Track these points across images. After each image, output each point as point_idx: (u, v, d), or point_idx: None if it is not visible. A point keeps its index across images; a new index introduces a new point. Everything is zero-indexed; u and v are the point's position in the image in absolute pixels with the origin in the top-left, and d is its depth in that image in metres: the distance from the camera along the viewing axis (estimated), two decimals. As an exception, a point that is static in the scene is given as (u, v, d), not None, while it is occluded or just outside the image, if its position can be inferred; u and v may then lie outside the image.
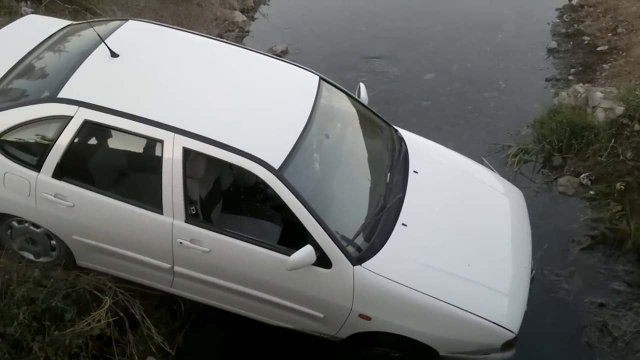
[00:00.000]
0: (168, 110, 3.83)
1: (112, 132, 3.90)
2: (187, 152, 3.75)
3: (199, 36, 4.68)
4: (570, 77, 7.65)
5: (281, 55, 7.88)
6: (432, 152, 4.96)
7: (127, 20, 4.55)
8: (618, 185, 5.88)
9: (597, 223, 5.70)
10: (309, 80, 4.45)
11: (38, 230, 4.21)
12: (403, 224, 4.12)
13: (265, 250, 3.85)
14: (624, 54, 7.62)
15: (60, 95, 3.83)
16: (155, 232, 3.91)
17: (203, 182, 4.17)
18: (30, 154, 3.94)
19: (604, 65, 7.60)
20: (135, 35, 4.39)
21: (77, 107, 3.78)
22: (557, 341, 4.78)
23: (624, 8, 8.50)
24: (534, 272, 4.47)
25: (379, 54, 8.10)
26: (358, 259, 3.83)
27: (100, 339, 3.97)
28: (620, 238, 5.51)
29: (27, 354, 3.68)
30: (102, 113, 3.75)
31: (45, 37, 4.51)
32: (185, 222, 3.85)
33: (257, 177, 3.73)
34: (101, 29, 4.35)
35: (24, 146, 3.95)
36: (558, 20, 8.97)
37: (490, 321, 3.90)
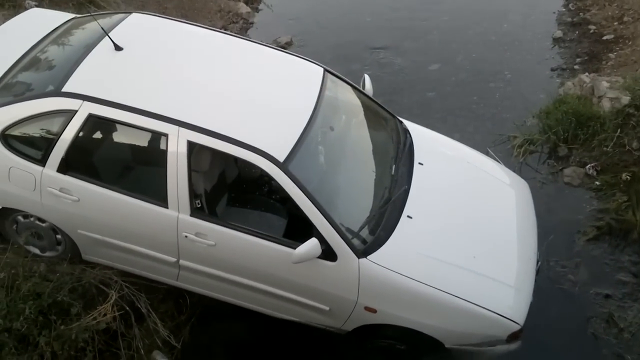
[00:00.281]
0: (172, 104, 3.82)
1: (117, 126, 3.90)
2: (191, 145, 3.74)
3: (203, 28, 4.66)
4: (576, 67, 7.60)
5: (285, 46, 7.85)
6: (437, 143, 4.94)
7: (130, 13, 4.53)
8: (624, 176, 5.84)
9: (602, 214, 5.67)
10: (314, 72, 4.43)
11: (43, 225, 4.22)
12: (408, 216, 4.11)
13: (271, 243, 3.86)
14: (630, 42, 7.56)
15: (65, 89, 3.83)
16: (160, 225, 3.92)
17: (208, 176, 4.17)
18: (35, 148, 3.94)
19: (610, 55, 7.54)
20: (139, 28, 4.37)
21: (81, 101, 3.77)
22: (563, 333, 4.77)
23: (630, -4, 8.42)
24: (539, 263, 4.46)
25: (384, 45, 8.06)
26: (363, 252, 3.83)
27: (106, 333, 3.97)
28: (626, 229, 5.48)
29: (34, 348, 3.70)
30: (106, 107, 3.75)
31: (49, 31, 4.50)
32: (191, 215, 3.86)
33: (261, 170, 3.73)
34: (105, 22, 4.34)
35: (28, 141, 3.95)
36: (564, 9, 8.90)
37: (496, 313, 3.90)
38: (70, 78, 3.87)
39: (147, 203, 3.88)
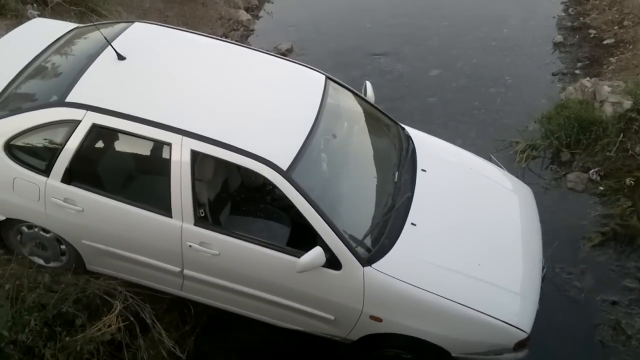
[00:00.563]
0: (176, 113, 3.82)
1: (120, 135, 3.90)
2: (195, 154, 3.74)
3: (205, 37, 4.67)
4: (577, 72, 7.60)
5: (286, 53, 7.86)
6: (439, 149, 4.93)
7: (133, 22, 4.53)
8: (628, 181, 5.83)
9: (607, 219, 5.66)
10: (316, 79, 4.43)
11: (48, 235, 4.21)
12: (412, 224, 4.10)
13: (275, 252, 3.84)
14: (631, 47, 7.56)
15: (68, 99, 3.82)
16: (164, 235, 3.91)
17: (211, 184, 4.16)
18: (39, 158, 3.93)
19: (611, 59, 7.55)
20: (141, 38, 4.37)
21: (85, 111, 3.77)
22: (570, 340, 4.75)
23: (629, 0, 8.41)
24: (545, 270, 4.44)
25: (384, 51, 8.06)
26: (368, 260, 3.82)
27: (111, 344, 3.95)
28: (631, 234, 5.46)
29: (39, 360, 3.69)
30: (110, 117, 3.74)
31: (52, 41, 4.50)
32: (194, 225, 3.85)
33: (265, 178, 3.72)
34: (108, 31, 4.34)
35: (32, 151, 3.94)
36: (563, 14, 8.92)
37: (502, 321, 3.88)
38: (74, 88, 3.87)
39: (151, 213, 3.87)
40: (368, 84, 4.85)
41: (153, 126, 3.71)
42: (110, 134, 3.91)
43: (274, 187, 3.76)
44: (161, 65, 4.18)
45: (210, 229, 3.87)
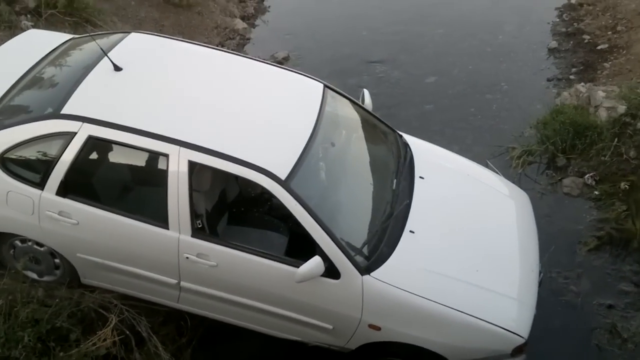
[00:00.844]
0: (173, 124, 3.81)
1: (117, 147, 3.88)
2: (192, 165, 3.73)
3: (202, 47, 4.67)
4: (572, 77, 7.63)
5: (283, 61, 7.87)
6: (437, 156, 4.94)
7: (129, 32, 4.53)
8: (622, 185, 5.85)
9: (602, 223, 5.67)
10: (313, 88, 4.43)
11: (42, 249, 4.18)
12: (411, 231, 4.09)
13: (273, 262, 3.83)
14: (625, 52, 7.60)
15: (64, 111, 3.81)
16: (161, 247, 3.89)
17: (209, 195, 4.14)
18: (34, 171, 3.91)
19: (605, 64, 7.59)
20: (138, 48, 4.37)
21: (80, 122, 3.75)
22: (567, 344, 4.75)
23: (622, 6, 8.47)
24: (541, 275, 4.45)
25: (380, 58, 8.08)
26: (366, 269, 3.80)
27: (106, 358, 3.90)
28: (626, 238, 5.47)
29: (33, 378, 3.64)
30: (106, 128, 3.73)
31: (47, 52, 4.49)
32: (192, 236, 3.83)
33: (263, 188, 3.71)
34: (103, 42, 4.33)
35: (27, 164, 3.92)
36: (558, 20, 8.96)
37: (500, 327, 3.87)
38: (70, 100, 3.85)
39: (148, 224, 3.85)
40: (365, 91, 4.86)
41: (150, 137, 3.70)
42: (106, 146, 3.90)
43: (272, 196, 3.76)
44: (158, 75, 4.18)
45: (208, 240, 3.86)
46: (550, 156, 6.38)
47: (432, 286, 3.90)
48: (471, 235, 4.30)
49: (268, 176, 3.66)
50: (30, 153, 3.89)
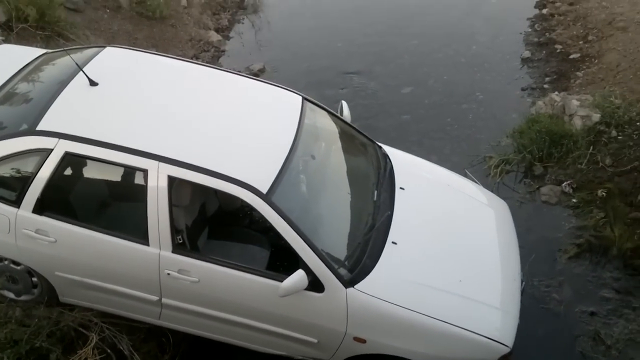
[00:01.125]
0: (151, 138, 3.76)
1: (94, 163, 3.80)
2: (172, 180, 3.68)
3: (178, 60, 4.62)
4: (546, 86, 7.73)
5: (258, 73, 7.85)
6: (416, 167, 4.96)
7: (104, 46, 4.48)
8: (599, 192, 5.92)
9: (581, 231, 5.72)
10: (292, 100, 4.42)
11: (18, 268, 4.09)
12: (393, 242, 4.09)
13: (256, 277, 3.79)
14: (596, 61, 7.74)
15: (39, 127, 3.74)
16: (141, 264, 3.82)
17: (188, 210, 4.08)
18: (9, 189, 3.83)
19: (578, 73, 7.71)
20: (113, 62, 4.31)
21: (57, 139, 3.69)
22: (552, 353, 4.77)
23: (593, 16, 8.64)
24: (523, 283, 4.47)
25: (356, 70, 8.11)
26: (350, 281, 3.78)
27: (88, 377, 3.85)
28: (605, 245, 5.53)
29: (13, 400, 3.56)
30: (83, 144, 3.66)
31: (20, 67, 4.41)
32: (172, 252, 3.78)
33: (245, 202, 3.67)
34: (78, 56, 4.27)
35: (2, 182, 3.84)
36: (530, 30, 9.09)
37: (485, 336, 3.87)
38: (45, 116, 3.78)
39: (128, 241, 3.79)
40: (344, 103, 4.87)
41: (128, 153, 3.64)
42: (83, 162, 3.83)
43: (253, 210, 3.72)
44: (134, 90, 4.13)
45: (189, 256, 3.81)
46: (527, 165, 6.45)
47: (416, 297, 3.89)
48: (453, 245, 4.31)
49: (249, 190, 3.63)
50: (5, 170, 3.80)
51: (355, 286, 3.78)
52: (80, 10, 7.60)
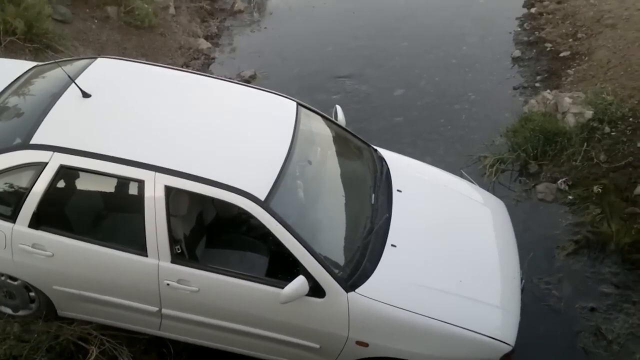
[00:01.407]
0: (146, 149, 3.73)
1: (90, 175, 3.76)
2: (169, 190, 3.65)
3: (171, 69, 4.61)
4: (537, 84, 7.76)
5: (250, 80, 7.84)
6: (412, 169, 4.96)
7: (96, 57, 4.45)
8: (595, 188, 5.94)
9: (579, 227, 5.74)
10: (287, 106, 4.41)
11: (15, 283, 4.05)
12: (392, 245, 4.08)
13: (256, 284, 3.77)
14: (587, 58, 7.77)
15: (33, 141, 3.71)
16: (140, 275, 3.80)
17: (186, 219, 4.05)
18: (4, 204, 3.80)
19: (569, 71, 7.74)
20: (106, 73, 4.29)
21: (51, 152, 3.66)
22: (554, 349, 4.78)
23: (581, 13, 8.69)
24: (523, 281, 4.47)
25: (348, 73, 8.11)
26: (351, 285, 3.77)
27: (90, 391, 3.82)
28: (603, 240, 5.55)
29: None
30: (78, 157, 3.64)
31: (11, 81, 4.37)
32: (171, 262, 3.75)
33: (243, 210, 3.65)
34: (70, 68, 4.25)
35: (-4, 197, 3.80)
36: (519, 29, 9.13)
37: (487, 336, 3.87)
38: (38, 129, 3.75)
39: (126, 253, 3.76)
40: (338, 107, 4.86)
41: (124, 164, 3.62)
42: (79, 175, 3.79)
43: (251, 217, 3.70)
44: (128, 100, 4.10)
45: (188, 265, 3.79)
46: (522, 163, 6.46)
47: (417, 299, 3.88)
48: (452, 245, 4.31)
49: (247, 198, 3.61)
50: (-1, 186, 3.77)
51: (356, 290, 3.77)
52: (68, 22, 7.56)
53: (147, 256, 3.74)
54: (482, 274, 4.22)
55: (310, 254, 3.66)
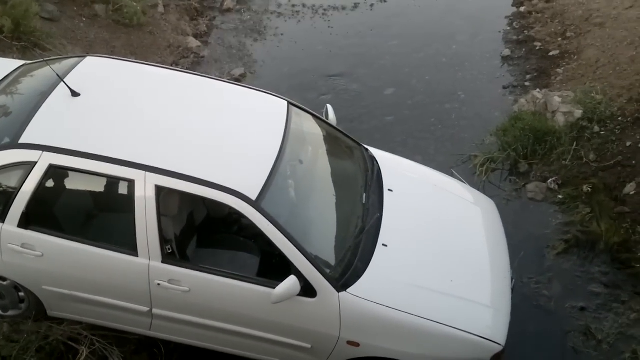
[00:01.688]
0: (136, 148, 3.71)
1: (80, 175, 3.73)
2: (159, 189, 3.64)
3: (161, 68, 4.59)
4: (527, 84, 7.79)
5: (240, 79, 7.80)
6: (403, 168, 4.97)
7: (84, 56, 4.42)
8: (585, 188, 5.98)
9: (568, 227, 5.77)
10: (278, 105, 4.40)
11: (5, 283, 4.03)
12: (384, 245, 4.08)
13: (247, 284, 3.76)
14: (576, 57, 7.81)
15: (22, 140, 3.68)
16: (131, 275, 3.78)
17: (177, 219, 4.04)
18: (-7, 204, 3.75)
19: (558, 70, 7.77)
20: (95, 72, 4.26)
21: (40, 151, 3.63)
22: (544, 349, 4.80)
23: (570, 12, 8.73)
24: (514, 281, 4.49)
25: (338, 72, 8.09)
26: (343, 285, 3.77)
27: (80, 391, 3.80)
28: (592, 240, 5.58)
29: (2, 418, 3.51)
30: (67, 156, 3.61)
31: (-2, 80, 4.33)
32: (162, 262, 3.74)
33: (234, 209, 3.63)
34: (58, 67, 4.21)
35: (-15, 196, 3.75)
36: (509, 28, 9.15)
37: (478, 335, 3.88)
38: (27, 128, 3.73)
39: (116, 253, 3.74)
40: (329, 107, 4.86)
41: (114, 163, 3.60)
42: (68, 174, 3.77)
43: (242, 217, 3.70)
44: (118, 99, 4.07)
45: (179, 265, 3.77)
46: (512, 162, 6.49)
47: (409, 299, 3.89)
48: (443, 245, 4.32)
49: (238, 197, 3.60)
50: (-13, 185, 3.73)
51: (348, 290, 3.77)
52: (56, 20, 7.49)
53: (137, 256, 3.73)
54: (472, 274, 4.23)
55: (302, 253, 3.66)
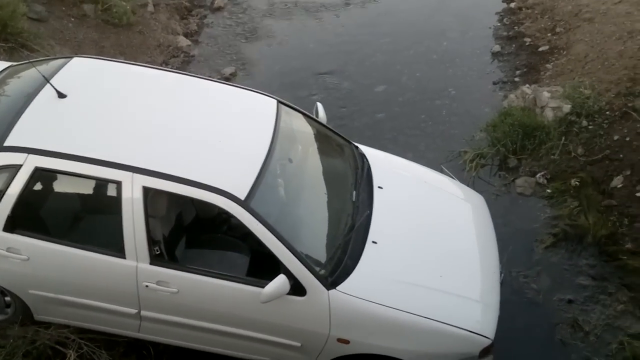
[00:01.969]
0: (123, 149, 3.70)
1: (66, 177, 3.73)
2: (147, 190, 3.63)
3: (149, 68, 4.58)
4: (517, 79, 7.79)
5: (230, 77, 7.79)
6: (393, 165, 4.97)
7: (71, 57, 4.40)
8: (573, 182, 6.00)
9: (557, 220, 5.79)
10: (267, 104, 4.39)
11: (-10, 288, 4.01)
12: (373, 242, 4.09)
13: (236, 284, 3.76)
14: (565, 52, 7.82)
15: (7, 143, 3.65)
16: (118, 277, 3.77)
17: (165, 220, 4.03)
18: (-23, 208, 3.73)
19: (547, 65, 7.78)
20: (81, 73, 4.23)
21: (25, 154, 3.61)
22: (532, 342, 4.83)
23: (559, 8, 8.73)
24: (502, 275, 4.51)
25: (329, 70, 8.08)
26: (332, 283, 3.77)
27: (68, 395, 3.79)
28: (580, 233, 5.60)
29: None
30: (53, 158, 3.59)
31: (-17, 82, 4.30)
32: (150, 263, 3.73)
33: (223, 210, 3.63)
34: (45, 68, 4.19)
35: (-31, 201, 3.73)
36: (499, 24, 9.15)
37: (467, 330, 3.90)
38: (12, 131, 3.70)
39: (103, 255, 3.73)
40: (319, 105, 4.85)
41: (101, 165, 3.58)
42: (54, 177, 3.76)
43: (231, 217, 3.70)
44: (104, 100, 4.05)
45: (167, 267, 3.76)
46: (501, 158, 6.50)
47: (398, 295, 3.90)
48: (432, 241, 4.33)
49: (227, 197, 3.59)
50: (-28, 189, 3.71)
51: (337, 288, 3.77)
52: (43, 20, 7.44)
53: (125, 258, 3.71)
54: (462, 269, 4.24)
55: (291, 252, 3.65)
